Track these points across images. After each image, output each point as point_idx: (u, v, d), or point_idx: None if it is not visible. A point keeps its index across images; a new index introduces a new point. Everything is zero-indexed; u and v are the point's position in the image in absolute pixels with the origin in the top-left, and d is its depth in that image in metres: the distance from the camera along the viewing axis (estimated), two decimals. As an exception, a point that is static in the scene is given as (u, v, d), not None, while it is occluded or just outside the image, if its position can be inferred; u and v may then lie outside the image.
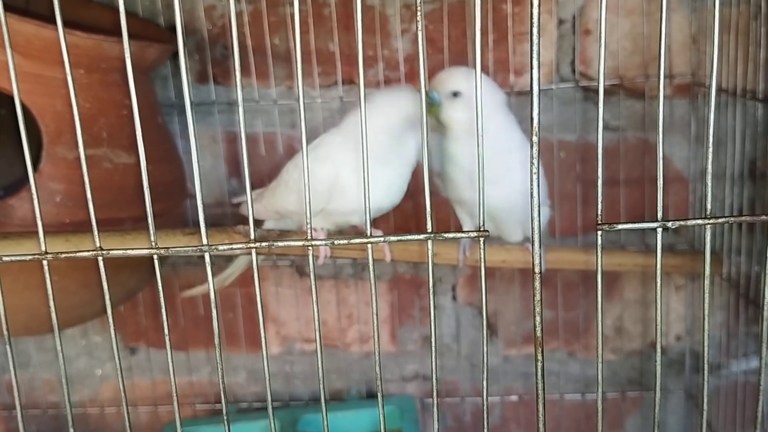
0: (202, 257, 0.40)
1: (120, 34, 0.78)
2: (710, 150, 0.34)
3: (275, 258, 0.93)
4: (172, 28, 0.86)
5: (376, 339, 0.39)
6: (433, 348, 0.36)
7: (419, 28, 0.36)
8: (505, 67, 0.86)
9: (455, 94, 0.67)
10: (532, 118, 0.33)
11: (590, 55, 0.85)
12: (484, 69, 0.86)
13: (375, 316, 0.39)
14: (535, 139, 0.32)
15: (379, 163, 0.63)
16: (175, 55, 0.88)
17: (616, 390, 0.95)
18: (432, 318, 0.37)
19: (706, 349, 0.39)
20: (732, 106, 0.74)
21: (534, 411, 0.46)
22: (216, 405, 0.97)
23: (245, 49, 0.86)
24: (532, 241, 0.35)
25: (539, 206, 0.34)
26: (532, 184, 0.34)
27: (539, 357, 0.35)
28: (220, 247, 0.39)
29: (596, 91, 0.86)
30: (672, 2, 0.83)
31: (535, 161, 0.33)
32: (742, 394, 0.78)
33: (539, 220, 0.35)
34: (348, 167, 0.66)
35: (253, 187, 0.89)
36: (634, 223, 0.37)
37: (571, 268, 0.78)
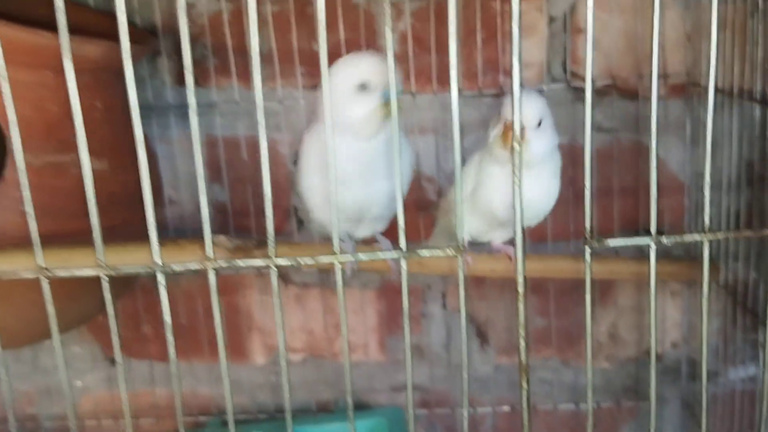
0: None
1: (90, 34, 0.75)
2: (708, 162, 0.31)
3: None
4: (149, 28, 0.83)
5: (346, 356, 0.36)
6: (408, 358, 0.34)
7: (388, 39, 0.34)
8: (495, 67, 0.83)
9: (540, 124, 0.61)
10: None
11: (582, 55, 0.83)
12: (473, 68, 0.83)
13: (344, 325, 0.36)
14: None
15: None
16: (153, 55, 0.85)
17: (611, 399, 0.93)
18: (406, 331, 0.34)
19: (704, 366, 0.36)
20: (728, 107, 0.72)
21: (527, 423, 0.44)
22: (198, 417, 0.95)
23: (225, 50, 0.83)
24: (515, 244, 0.32)
25: (521, 214, 0.31)
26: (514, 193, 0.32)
27: (523, 342, 0.33)
28: (174, 267, 0.36)
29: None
30: (665, -1, 0.81)
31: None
32: (740, 402, 0.77)
33: (523, 228, 0.32)
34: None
35: (234, 193, 0.87)
36: (626, 237, 0.34)
37: (560, 277, 0.75)
